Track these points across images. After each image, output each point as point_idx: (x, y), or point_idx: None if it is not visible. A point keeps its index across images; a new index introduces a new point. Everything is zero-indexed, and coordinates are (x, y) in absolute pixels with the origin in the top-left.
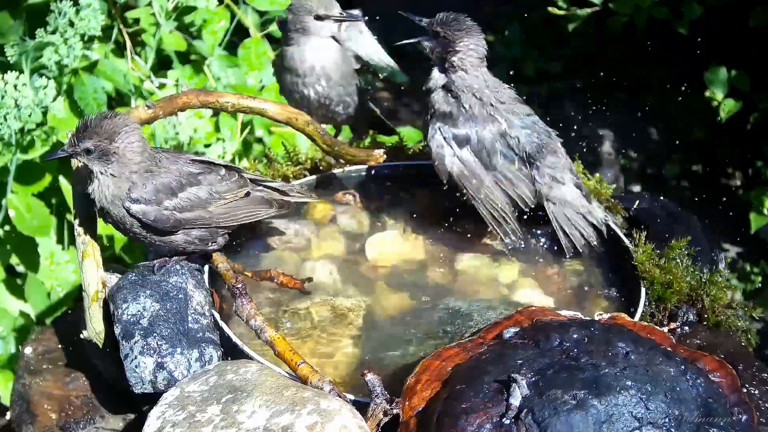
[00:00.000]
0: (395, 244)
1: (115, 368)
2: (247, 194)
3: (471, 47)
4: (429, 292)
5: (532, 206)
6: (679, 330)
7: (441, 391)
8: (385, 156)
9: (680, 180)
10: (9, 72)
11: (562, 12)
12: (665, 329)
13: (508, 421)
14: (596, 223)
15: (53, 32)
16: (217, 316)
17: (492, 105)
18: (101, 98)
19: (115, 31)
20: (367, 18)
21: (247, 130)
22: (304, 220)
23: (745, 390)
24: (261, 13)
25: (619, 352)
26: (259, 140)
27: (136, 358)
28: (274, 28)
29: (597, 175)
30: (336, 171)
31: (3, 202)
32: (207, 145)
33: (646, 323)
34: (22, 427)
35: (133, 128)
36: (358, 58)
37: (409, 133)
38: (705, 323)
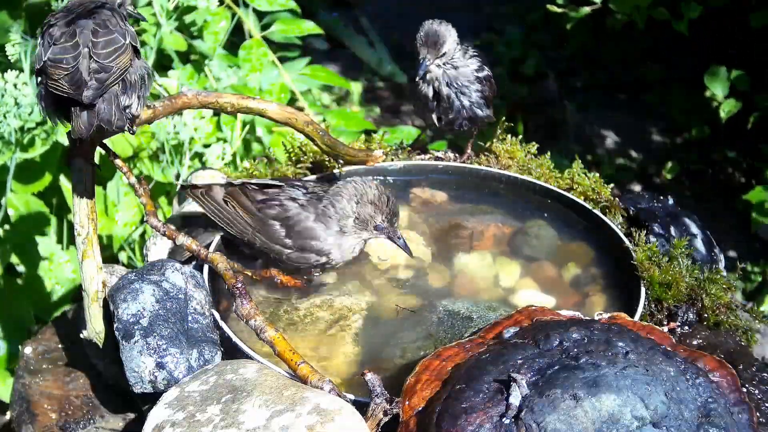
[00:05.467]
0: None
1: (115, 368)
2: None
3: None
4: (429, 291)
5: None
6: (679, 330)
7: (441, 391)
8: (384, 157)
9: (680, 180)
10: (9, 71)
11: (560, 9)
12: (665, 329)
13: (508, 421)
14: None
15: None
16: (217, 315)
17: None
18: None
19: None
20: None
21: (246, 129)
22: None
23: (745, 390)
24: (261, 16)
25: (619, 352)
26: (259, 140)
27: (136, 357)
28: (273, 29)
29: (596, 174)
30: (335, 171)
31: (2, 201)
32: (207, 145)
33: (646, 323)
34: (22, 426)
35: None
36: None
37: (409, 133)
38: (705, 323)
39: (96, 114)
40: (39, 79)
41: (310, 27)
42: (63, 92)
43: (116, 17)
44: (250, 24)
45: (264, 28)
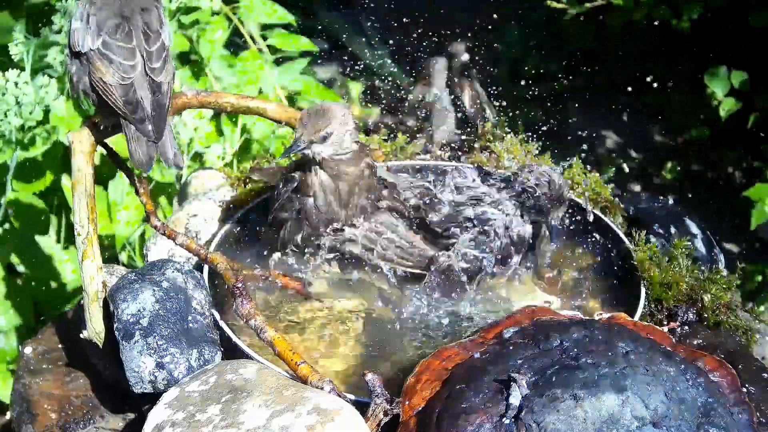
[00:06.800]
0: None
1: (115, 368)
2: None
3: None
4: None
5: None
6: (679, 330)
7: (441, 391)
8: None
9: (680, 180)
10: (10, 69)
11: (560, 5)
12: (665, 329)
13: (508, 421)
14: None
15: (58, 32)
16: (217, 315)
17: None
18: None
19: None
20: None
21: (248, 130)
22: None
23: (745, 390)
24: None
25: (619, 352)
26: (260, 140)
27: (136, 357)
28: (270, 42)
29: (596, 175)
30: None
31: (2, 201)
32: (207, 146)
33: (646, 323)
34: (22, 427)
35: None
36: None
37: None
38: (705, 323)
39: (155, 146)
40: (77, 60)
41: (305, 43)
42: (115, 105)
43: (162, 15)
44: (254, 33)
45: (264, 28)
